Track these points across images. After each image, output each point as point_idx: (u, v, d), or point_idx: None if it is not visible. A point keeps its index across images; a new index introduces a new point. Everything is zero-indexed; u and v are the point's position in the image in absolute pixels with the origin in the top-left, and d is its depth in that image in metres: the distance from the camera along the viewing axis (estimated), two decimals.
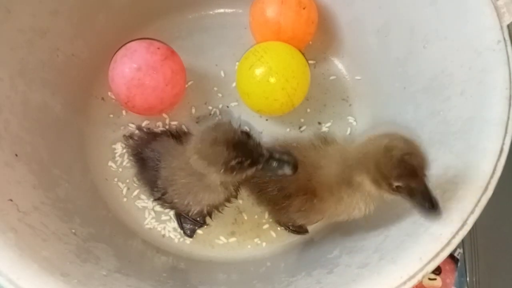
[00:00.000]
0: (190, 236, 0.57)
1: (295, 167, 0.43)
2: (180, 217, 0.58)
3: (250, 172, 0.43)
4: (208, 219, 0.58)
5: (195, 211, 0.50)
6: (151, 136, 0.56)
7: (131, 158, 0.58)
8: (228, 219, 0.58)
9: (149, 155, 0.53)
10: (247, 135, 0.42)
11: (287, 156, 0.43)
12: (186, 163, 0.45)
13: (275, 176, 0.47)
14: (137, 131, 0.60)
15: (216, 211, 0.52)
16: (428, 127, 0.50)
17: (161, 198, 0.51)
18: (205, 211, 0.50)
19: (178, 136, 0.55)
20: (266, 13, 0.61)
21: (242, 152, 0.41)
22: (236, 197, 0.50)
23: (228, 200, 0.50)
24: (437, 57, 0.51)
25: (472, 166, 0.42)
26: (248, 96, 0.60)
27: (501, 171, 0.41)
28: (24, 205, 0.45)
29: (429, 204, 0.38)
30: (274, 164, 0.43)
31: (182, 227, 0.58)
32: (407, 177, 0.39)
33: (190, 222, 0.57)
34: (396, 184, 0.40)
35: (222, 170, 0.42)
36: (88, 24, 0.61)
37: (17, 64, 0.52)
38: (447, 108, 0.48)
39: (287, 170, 0.43)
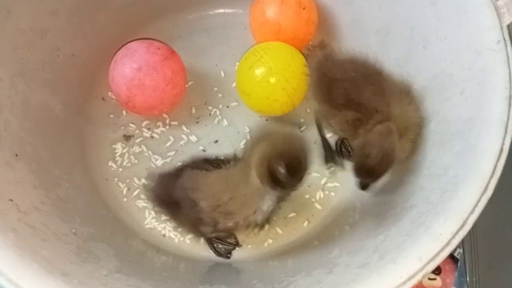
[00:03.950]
0: (228, 257, 0.56)
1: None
2: (212, 242, 0.56)
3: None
4: (240, 240, 0.56)
5: (260, 220, 0.49)
6: (171, 177, 0.53)
7: (158, 209, 0.55)
8: None
9: (182, 195, 0.50)
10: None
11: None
12: (227, 182, 0.46)
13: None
14: (148, 183, 0.56)
15: (277, 210, 0.51)
16: (428, 127, 0.50)
17: (215, 229, 0.50)
18: (268, 215, 0.50)
19: (199, 165, 0.52)
20: (266, 13, 0.61)
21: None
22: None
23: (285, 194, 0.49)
24: (437, 57, 0.51)
25: (472, 166, 0.42)
26: (248, 96, 0.60)
27: (501, 171, 0.41)
28: (24, 205, 0.45)
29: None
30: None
31: (216, 251, 0.56)
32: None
33: (223, 245, 0.56)
34: None
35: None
36: (88, 24, 0.61)
37: (17, 64, 0.52)
38: (447, 108, 0.48)
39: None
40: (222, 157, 0.53)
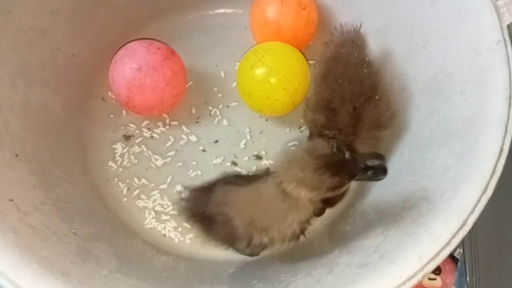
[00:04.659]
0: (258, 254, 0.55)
1: (386, 171, 0.44)
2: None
3: (347, 185, 0.44)
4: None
5: (290, 235, 0.48)
6: (203, 192, 0.51)
7: (190, 221, 0.52)
8: None
9: (214, 210, 0.49)
10: (340, 150, 0.43)
11: (377, 161, 0.44)
12: (259, 197, 0.46)
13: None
14: (185, 190, 0.53)
15: (307, 226, 0.49)
16: (428, 127, 0.50)
17: (249, 245, 0.49)
18: (298, 231, 0.48)
19: (232, 180, 0.51)
20: (266, 13, 0.61)
21: (345, 173, 0.42)
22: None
23: (315, 213, 0.48)
24: (437, 57, 0.51)
25: (472, 166, 0.42)
26: (249, 96, 0.60)
27: (501, 171, 0.41)
28: (24, 205, 0.45)
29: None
30: (369, 172, 0.43)
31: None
32: None
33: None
34: None
35: (324, 192, 0.43)
36: (88, 24, 0.61)
37: (17, 64, 0.52)
38: (447, 108, 0.48)
39: (381, 176, 0.44)
40: (254, 173, 0.53)
